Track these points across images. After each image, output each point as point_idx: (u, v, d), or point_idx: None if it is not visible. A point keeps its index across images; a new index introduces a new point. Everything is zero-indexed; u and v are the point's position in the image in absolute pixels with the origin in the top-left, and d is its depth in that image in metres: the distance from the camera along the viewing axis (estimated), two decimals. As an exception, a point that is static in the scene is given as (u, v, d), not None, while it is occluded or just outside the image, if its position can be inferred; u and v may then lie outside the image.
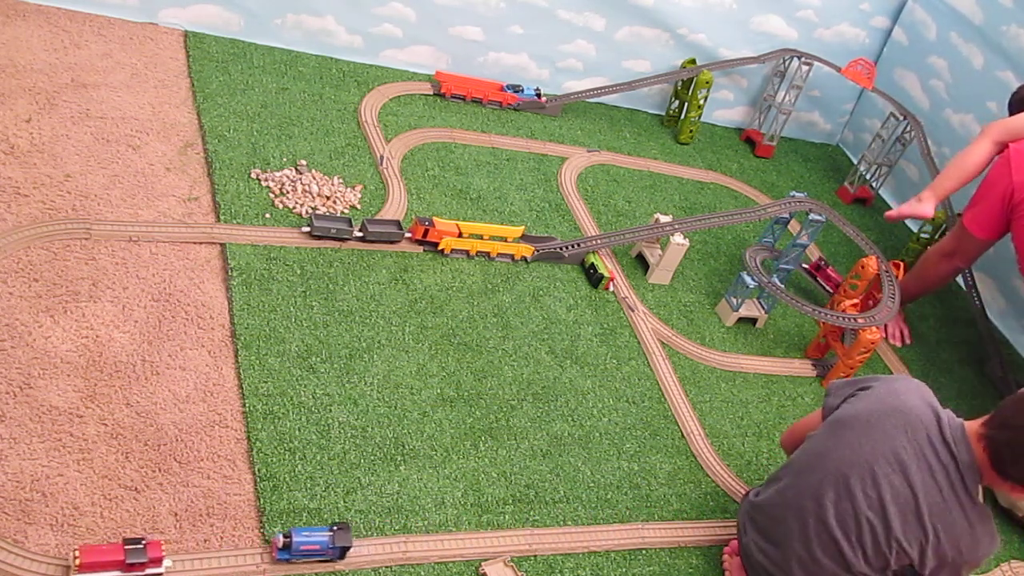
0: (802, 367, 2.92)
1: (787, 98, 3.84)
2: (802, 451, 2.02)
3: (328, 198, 2.67)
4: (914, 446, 1.84)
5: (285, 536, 1.79)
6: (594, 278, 2.82)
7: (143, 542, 1.67)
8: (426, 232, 2.63)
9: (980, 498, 1.85)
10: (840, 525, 1.88)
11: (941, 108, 3.77)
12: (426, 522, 2.00)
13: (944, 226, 3.50)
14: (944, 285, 3.26)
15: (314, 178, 2.71)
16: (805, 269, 3.24)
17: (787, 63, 3.83)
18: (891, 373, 3.05)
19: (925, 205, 2.77)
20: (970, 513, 1.83)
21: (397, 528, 1.97)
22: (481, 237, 2.70)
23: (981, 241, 2.85)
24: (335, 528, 1.83)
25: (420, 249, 2.66)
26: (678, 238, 2.88)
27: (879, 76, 4.00)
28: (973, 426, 1.85)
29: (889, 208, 4.03)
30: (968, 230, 2.83)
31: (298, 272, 2.42)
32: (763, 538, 2.04)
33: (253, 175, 2.63)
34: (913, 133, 3.68)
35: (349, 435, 2.09)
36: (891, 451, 1.85)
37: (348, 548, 1.84)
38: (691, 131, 3.76)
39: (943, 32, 3.73)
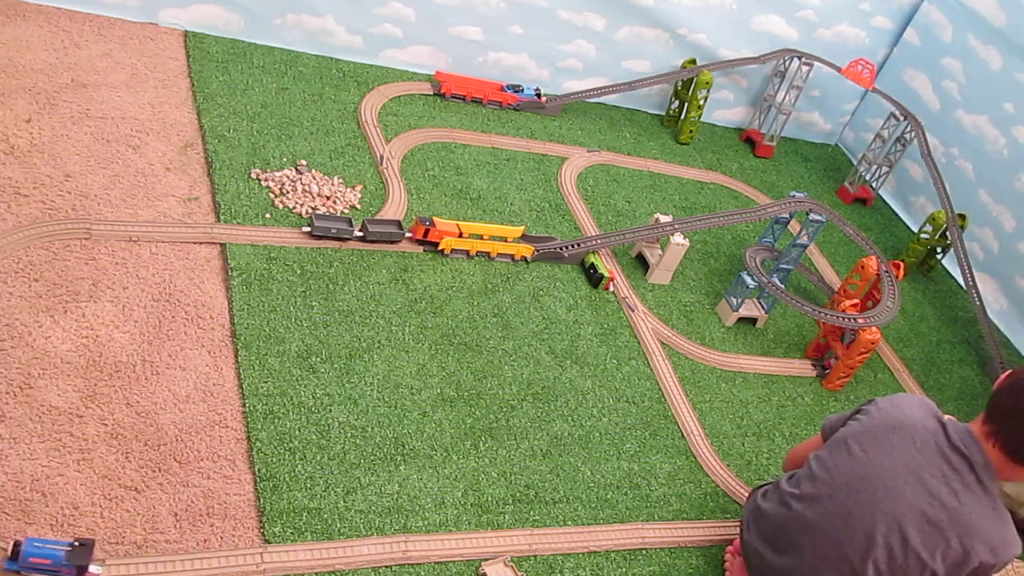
0: (802, 367, 2.91)
1: (787, 98, 3.84)
2: (808, 469, 1.98)
3: (328, 198, 2.67)
4: (925, 456, 1.82)
5: (16, 544, 1.63)
6: (594, 278, 2.81)
7: None
8: (426, 232, 2.62)
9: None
10: (850, 545, 1.84)
11: (952, 109, 3.78)
12: (426, 522, 2.00)
13: (945, 227, 3.51)
14: None
15: (314, 178, 2.71)
16: None
17: (787, 63, 3.83)
18: (891, 373, 3.05)
19: None
20: (995, 513, 1.80)
21: (397, 528, 1.97)
22: (481, 237, 2.70)
23: None
24: (76, 544, 1.66)
25: (420, 249, 2.66)
26: (678, 238, 2.88)
27: (887, 76, 4.00)
28: (975, 427, 1.83)
29: (889, 208, 4.03)
30: None
31: (298, 272, 2.42)
32: (767, 545, 2.02)
33: (253, 175, 2.63)
34: (913, 133, 3.68)
35: (349, 435, 2.09)
36: (902, 464, 1.83)
37: (86, 568, 1.65)
38: (691, 131, 3.76)
39: (960, 33, 3.73)
